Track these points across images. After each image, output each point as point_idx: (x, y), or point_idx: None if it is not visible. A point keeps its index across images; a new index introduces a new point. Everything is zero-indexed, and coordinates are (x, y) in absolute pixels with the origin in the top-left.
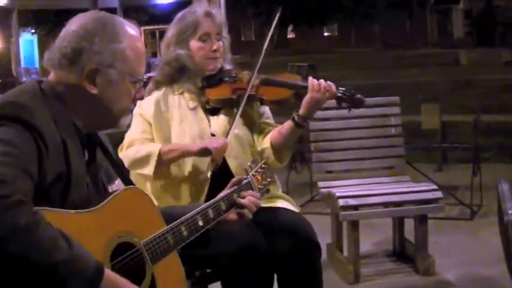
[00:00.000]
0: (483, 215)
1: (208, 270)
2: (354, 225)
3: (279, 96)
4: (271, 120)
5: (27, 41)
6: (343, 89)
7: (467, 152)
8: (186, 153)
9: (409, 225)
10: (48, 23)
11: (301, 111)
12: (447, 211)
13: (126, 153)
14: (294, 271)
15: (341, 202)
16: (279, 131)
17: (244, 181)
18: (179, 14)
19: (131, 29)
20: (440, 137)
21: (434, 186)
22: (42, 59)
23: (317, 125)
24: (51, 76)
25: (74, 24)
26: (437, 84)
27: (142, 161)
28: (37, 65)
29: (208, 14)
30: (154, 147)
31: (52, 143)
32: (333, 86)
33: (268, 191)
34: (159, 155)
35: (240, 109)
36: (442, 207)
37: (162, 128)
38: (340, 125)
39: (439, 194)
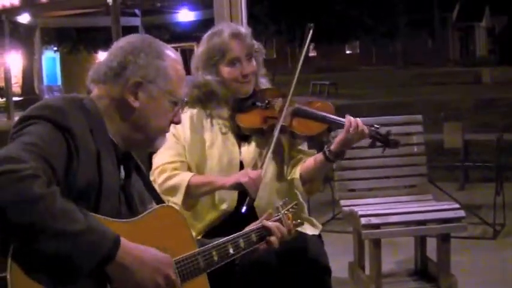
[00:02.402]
0: (506, 234)
1: None
2: (376, 243)
3: (312, 131)
4: (304, 147)
5: (50, 58)
6: (377, 127)
7: (490, 170)
8: (218, 189)
9: (431, 244)
10: (70, 40)
11: (333, 147)
12: (470, 230)
13: (157, 181)
14: None
15: (363, 220)
16: (309, 163)
17: (275, 217)
18: (207, 34)
19: (173, 53)
20: (463, 156)
21: (457, 205)
22: (64, 76)
23: None
24: (94, 92)
25: (121, 42)
26: (459, 102)
27: (171, 189)
28: (59, 83)
29: (235, 35)
30: (184, 177)
31: (85, 148)
32: (366, 129)
33: (296, 232)
34: (188, 186)
35: (272, 145)
36: (464, 226)
37: (196, 150)
38: (363, 143)
39: (461, 213)
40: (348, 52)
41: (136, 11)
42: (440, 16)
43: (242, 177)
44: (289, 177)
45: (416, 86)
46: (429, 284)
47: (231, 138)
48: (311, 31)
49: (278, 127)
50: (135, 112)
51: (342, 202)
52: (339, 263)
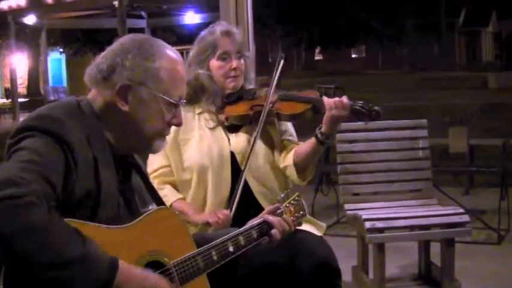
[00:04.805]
0: (511, 240)
1: None
2: (380, 248)
3: (295, 110)
4: (294, 138)
5: (55, 59)
6: (361, 102)
7: (495, 175)
8: (190, 221)
9: (435, 248)
10: (76, 42)
11: (323, 128)
12: (474, 235)
13: None
14: None
15: (367, 225)
16: (302, 148)
17: (277, 211)
18: (200, 34)
19: (171, 52)
20: (468, 161)
21: (462, 210)
22: (70, 77)
23: (344, 147)
24: (91, 93)
25: (114, 44)
26: (465, 107)
27: None
28: (65, 84)
29: (227, 33)
30: (168, 199)
31: (82, 158)
32: (346, 100)
33: (300, 223)
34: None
35: (260, 126)
36: (469, 231)
37: (175, 152)
38: (367, 147)
39: (466, 218)
40: (353, 56)
41: (143, 13)
42: (447, 21)
43: (211, 217)
44: (282, 165)
45: (422, 91)
46: None
47: (219, 132)
48: (282, 61)
49: (265, 110)
50: (126, 116)
51: (346, 206)
52: (342, 267)
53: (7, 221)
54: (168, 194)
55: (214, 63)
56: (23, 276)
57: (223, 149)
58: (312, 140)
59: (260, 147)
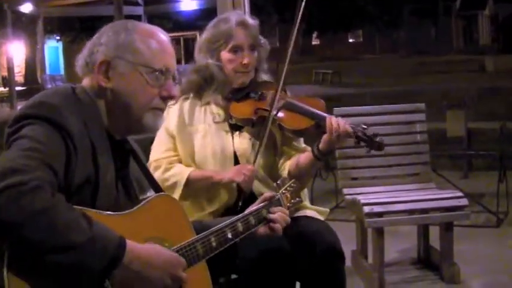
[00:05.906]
0: (509, 223)
1: (233, 277)
2: (379, 232)
3: (298, 126)
4: (299, 144)
5: (53, 48)
6: (364, 127)
7: (493, 159)
8: (215, 184)
9: (434, 232)
10: (73, 30)
11: (321, 146)
12: (473, 219)
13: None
14: (316, 279)
15: (366, 209)
16: (298, 160)
17: (275, 198)
18: (213, 20)
19: (149, 26)
20: (466, 144)
21: (460, 194)
22: (67, 65)
23: None
24: (83, 81)
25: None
26: (462, 91)
27: (169, 188)
28: (62, 72)
29: (242, 24)
30: (183, 173)
31: (81, 144)
32: (350, 128)
33: (296, 209)
34: (187, 181)
35: (265, 139)
36: (467, 215)
37: (185, 141)
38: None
39: (464, 201)
40: (351, 41)
41: (139, 0)
42: (444, 5)
43: (236, 176)
44: (278, 172)
45: (419, 75)
46: (432, 273)
47: (225, 127)
48: (303, 2)
49: (270, 119)
50: (111, 93)
51: (345, 190)
52: None
53: (15, 209)
54: (183, 169)
55: (225, 55)
56: (29, 262)
57: (226, 149)
58: (308, 154)
59: (261, 154)
